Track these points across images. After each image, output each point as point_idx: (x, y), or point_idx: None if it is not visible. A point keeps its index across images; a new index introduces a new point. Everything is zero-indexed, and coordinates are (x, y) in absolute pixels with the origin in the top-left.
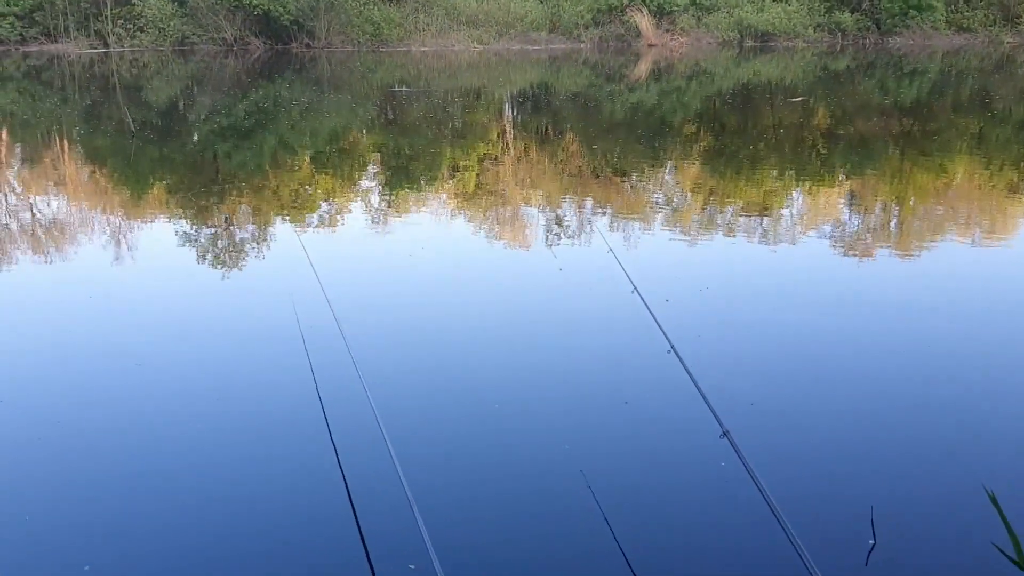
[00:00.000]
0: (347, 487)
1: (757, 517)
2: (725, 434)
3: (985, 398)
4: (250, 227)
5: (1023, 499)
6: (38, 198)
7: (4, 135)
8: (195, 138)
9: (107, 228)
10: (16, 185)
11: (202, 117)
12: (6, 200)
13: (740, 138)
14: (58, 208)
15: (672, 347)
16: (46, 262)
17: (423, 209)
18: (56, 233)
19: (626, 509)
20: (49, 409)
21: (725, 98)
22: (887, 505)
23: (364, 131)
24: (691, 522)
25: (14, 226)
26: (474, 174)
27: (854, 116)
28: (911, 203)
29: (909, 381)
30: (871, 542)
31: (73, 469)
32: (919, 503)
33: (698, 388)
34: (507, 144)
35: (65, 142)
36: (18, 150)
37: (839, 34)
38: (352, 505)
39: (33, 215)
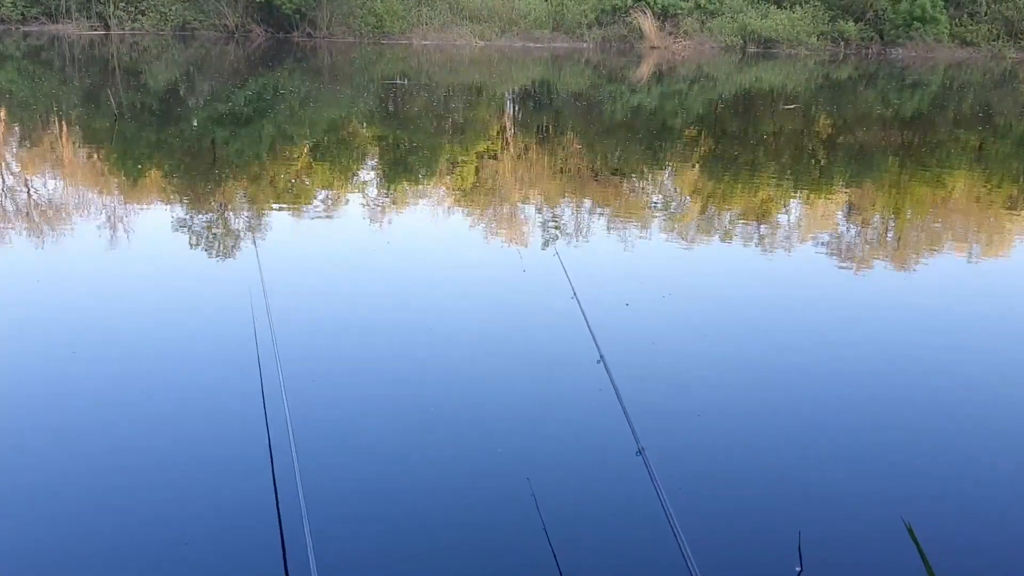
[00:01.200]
0: (276, 494)
1: (670, 541)
2: (640, 451)
3: (915, 427)
4: (214, 215)
5: (941, 529)
6: (29, 177)
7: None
8: (194, 123)
9: (70, 210)
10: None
11: (200, 103)
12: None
13: (738, 144)
14: (29, 188)
15: (601, 357)
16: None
17: (407, 204)
18: (19, 213)
19: (542, 522)
20: None
21: (725, 103)
22: (814, 532)
23: (362, 123)
24: (600, 547)
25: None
26: (471, 169)
27: (854, 126)
28: (906, 215)
29: (844, 406)
30: (797, 569)
31: None
32: (844, 530)
33: (620, 402)
34: (505, 142)
35: (56, 122)
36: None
37: (842, 43)
38: (279, 513)
39: (21, 195)
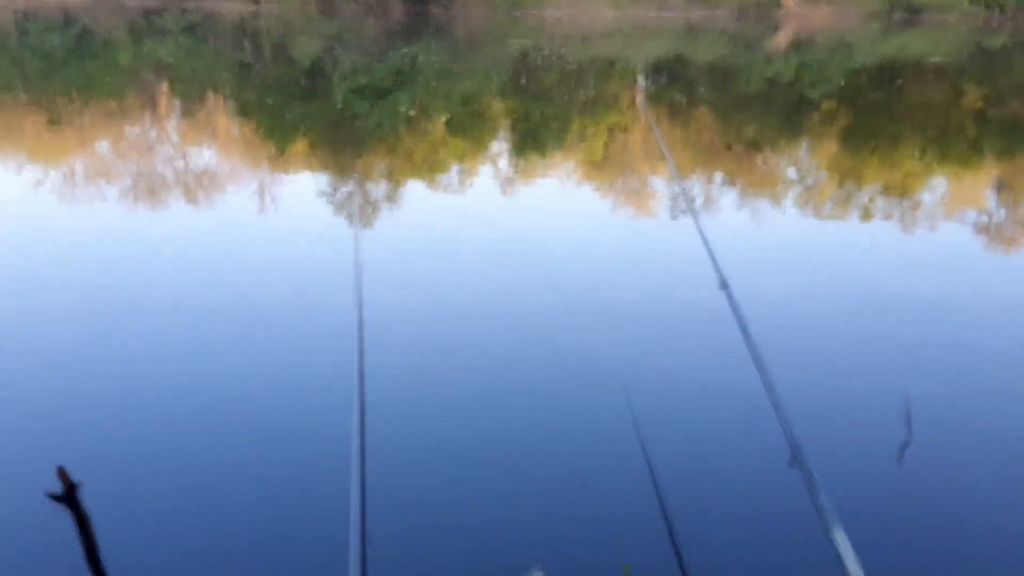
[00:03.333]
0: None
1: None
2: (794, 459)
3: None
4: (350, 183)
5: None
6: (191, 149)
7: (165, 87)
8: (338, 102)
9: (208, 174)
10: (169, 131)
11: (339, 73)
12: (161, 147)
13: (880, 115)
14: (174, 154)
15: (769, 392)
16: (134, 199)
17: (532, 175)
18: (160, 177)
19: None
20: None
21: (868, 72)
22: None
23: (494, 95)
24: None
25: (155, 167)
26: (599, 142)
27: (1008, 97)
28: None
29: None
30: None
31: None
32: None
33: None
34: (635, 114)
35: (205, 92)
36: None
37: (997, 10)
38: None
39: (183, 163)
